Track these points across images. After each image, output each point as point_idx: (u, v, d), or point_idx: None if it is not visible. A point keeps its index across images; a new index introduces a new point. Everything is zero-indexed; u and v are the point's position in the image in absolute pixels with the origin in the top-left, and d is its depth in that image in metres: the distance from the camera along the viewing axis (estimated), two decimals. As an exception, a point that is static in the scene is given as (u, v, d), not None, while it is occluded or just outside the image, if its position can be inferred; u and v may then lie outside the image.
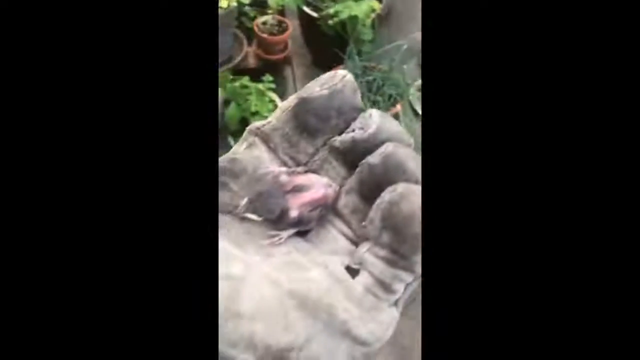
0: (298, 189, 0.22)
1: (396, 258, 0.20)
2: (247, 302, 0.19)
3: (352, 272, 0.20)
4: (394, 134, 0.22)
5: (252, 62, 1.26)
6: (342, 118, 0.22)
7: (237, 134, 1.12)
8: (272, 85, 1.14)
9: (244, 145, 0.24)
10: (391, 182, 0.20)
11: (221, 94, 1.06)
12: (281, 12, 1.26)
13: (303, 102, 0.22)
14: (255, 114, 1.12)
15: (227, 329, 0.18)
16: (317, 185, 0.22)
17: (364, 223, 0.21)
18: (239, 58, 1.22)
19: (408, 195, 0.20)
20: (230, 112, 1.04)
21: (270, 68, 1.27)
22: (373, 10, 1.15)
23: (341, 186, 0.23)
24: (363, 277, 0.20)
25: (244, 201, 0.22)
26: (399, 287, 0.20)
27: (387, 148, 0.21)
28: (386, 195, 0.20)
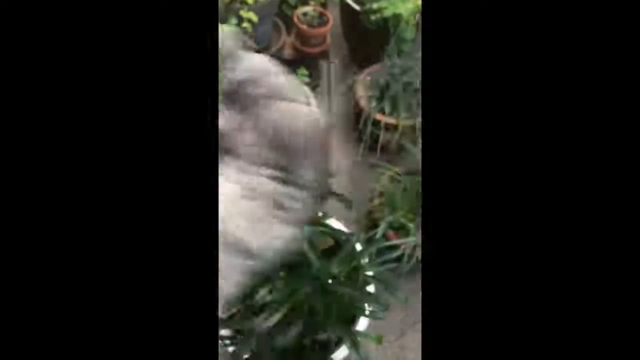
0: None
1: (282, 174, 0.22)
2: None
3: (251, 194, 0.22)
4: (264, 68, 0.24)
5: (288, 52, 1.24)
6: (229, 67, 0.24)
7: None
8: (306, 79, 1.12)
9: None
10: (273, 102, 0.23)
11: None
12: (323, 4, 1.23)
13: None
14: (287, 107, 1.10)
15: None
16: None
17: (250, 149, 0.23)
18: (275, 47, 1.20)
19: (282, 112, 0.22)
20: (262, 104, 1.03)
21: (306, 61, 1.25)
22: (418, 10, 1.10)
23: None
24: (259, 199, 0.22)
25: None
26: (292, 204, 0.22)
27: (247, 62, 0.24)
28: (261, 114, 0.23)
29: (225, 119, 0.24)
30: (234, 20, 0.95)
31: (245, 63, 0.24)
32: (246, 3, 1.03)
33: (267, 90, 0.23)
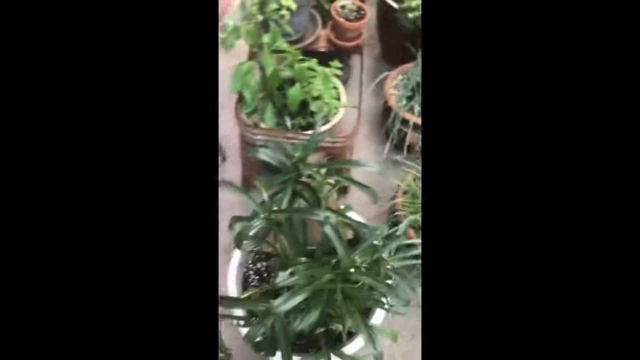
0: None
1: None
2: None
3: None
4: None
5: (322, 44, 1.24)
6: None
7: (295, 116, 1.12)
8: (339, 72, 1.12)
9: None
10: None
11: (288, 73, 1.05)
12: (361, -2, 1.22)
13: None
14: (317, 98, 1.11)
15: None
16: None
17: None
18: (311, 39, 1.20)
19: None
20: (293, 93, 1.04)
21: (339, 54, 1.25)
22: (458, 10, 1.09)
23: None
24: None
25: None
26: None
27: None
28: None
29: None
30: (274, 5, 0.96)
31: None
32: (286, -9, 1.04)
33: None
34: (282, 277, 0.59)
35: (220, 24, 1.80)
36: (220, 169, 1.30)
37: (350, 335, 0.84)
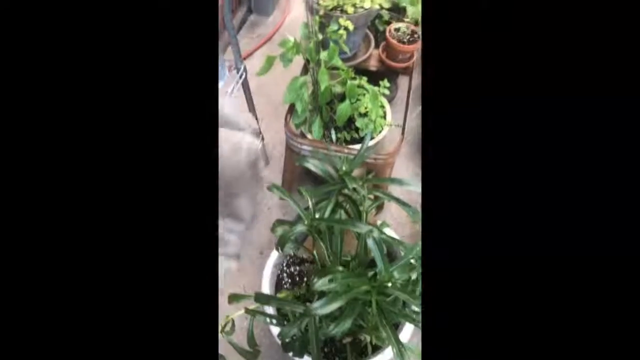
0: None
1: (222, 208, 0.18)
2: None
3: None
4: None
5: (373, 64, 1.28)
6: None
7: (341, 130, 1.16)
8: (387, 92, 1.15)
9: None
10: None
11: (339, 89, 1.10)
12: (416, 23, 1.26)
13: None
14: (364, 115, 1.14)
15: None
16: None
17: None
18: (363, 57, 1.25)
19: (221, 141, 0.18)
20: (342, 108, 1.08)
21: (388, 74, 1.28)
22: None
23: None
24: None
25: None
26: (231, 238, 0.19)
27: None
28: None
29: None
30: (335, 26, 1.01)
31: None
32: (346, 12, 1.09)
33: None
34: (322, 283, 0.62)
35: (275, 35, 1.85)
36: (262, 172, 1.35)
37: (376, 348, 0.86)
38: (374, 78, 1.17)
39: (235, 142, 0.20)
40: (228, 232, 0.22)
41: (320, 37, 1.00)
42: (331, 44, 0.98)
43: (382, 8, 1.14)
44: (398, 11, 1.26)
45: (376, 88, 1.12)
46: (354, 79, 1.09)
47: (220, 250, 0.21)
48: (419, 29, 1.24)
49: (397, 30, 1.23)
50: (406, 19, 1.23)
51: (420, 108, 1.27)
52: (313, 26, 0.96)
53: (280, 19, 1.96)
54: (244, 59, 1.52)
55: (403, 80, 1.46)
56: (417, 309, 0.70)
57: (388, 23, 1.25)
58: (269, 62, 0.99)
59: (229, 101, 0.24)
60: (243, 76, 1.09)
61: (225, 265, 0.23)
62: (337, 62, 1.00)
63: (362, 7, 1.11)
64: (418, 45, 1.23)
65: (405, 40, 1.21)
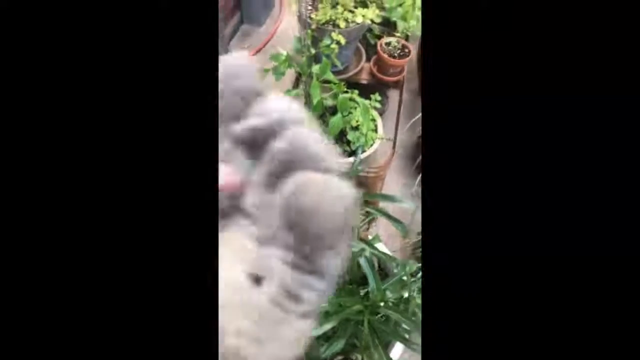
0: None
1: (302, 262, 0.17)
2: None
3: (256, 280, 0.17)
4: (299, 120, 0.19)
5: (364, 77, 1.29)
6: (243, 102, 0.20)
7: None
8: (378, 105, 1.16)
9: None
10: (299, 169, 0.18)
11: (331, 102, 1.10)
12: (406, 37, 1.27)
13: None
14: (355, 128, 1.14)
15: None
16: (222, 174, 0.19)
17: (268, 222, 0.18)
18: (354, 71, 1.26)
19: (308, 186, 0.17)
20: (334, 121, 1.08)
21: (379, 87, 1.29)
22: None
23: (246, 180, 0.20)
24: (267, 286, 0.17)
25: None
26: (310, 296, 0.17)
27: (292, 131, 0.18)
28: (285, 188, 0.17)
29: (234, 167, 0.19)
30: (328, 41, 1.02)
31: (270, 105, 0.19)
32: (338, 26, 1.09)
33: (310, 161, 0.18)
34: (314, 302, 0.61)
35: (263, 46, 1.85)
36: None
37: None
38: (365, 91, 1.18)
39: (334, 187, 0.17)
40: (307, 288, 0.18)
41: (313, 51, 1.00)
42: (324, 58, 0.98)
43: (373, 22, 1.15)
44: (389, 25, 1.28)
45: (367, 101, 1.12)
46: (346, 92, 1.09)
47: (291, 307, 0.18)
48: (409, 44, 1.25)
49: (388, 44, 1.24)
50: (397, 34, 1.24)
51: (411, 122, 1.28)
52: (306, 40, 0.96)
53: (272, 29, 1.97)
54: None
55: (393, 94, 1.48)
56: (408, 327, 0.70)
57: (379, 37, 1.27)
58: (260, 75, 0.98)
59: (312, 135, 0.20)
60: (234, 88, 1.08)
61: (295, 326, 0.19)
62: (329, 75, 1.00)
63: (354, 22, 1.11)
64: (408, 59, 1.24)
65: (396, 54, 1.23)
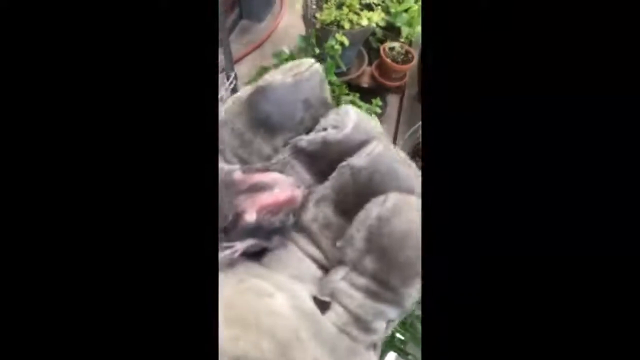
0: (257, 189, 0.17)
1: (381, 289, 0.16)
2: None
3: (321, 305, 0.16)
4: (375, 136, 0.18)
5: (365, 80, 1.28)
6: (308, 113, 0.18)
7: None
8: (378, 110, 1.15)
9: None
10: (379, 191, 0.16)
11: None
12: (410, 43, 1.27)
13: (261, 91, 0.18)
14: (355, 131, 1.13)
15: None
16: (282, 185, 0.17)
17: (339, 243, 0.17)
18: (356, 73, 1.25)
19: (403, 210, 0.16)
20: (334, 123, 1.07)
21: (380, 92, 1.28)
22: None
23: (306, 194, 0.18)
24: (335, 313, 0.16)
25: None
26: (380, 326, 0.16)
27: (375, 148, 0.17)
28: (374, 209, 0.16)
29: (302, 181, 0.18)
30: (332, 42, 1.00)
31: (347, 119, 0.18)
32: (342, 27, 1.08)
33: (394, 183, 0.17)
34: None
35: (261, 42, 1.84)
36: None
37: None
38: (366, 95, 1.17)
39: (400, 198, 0.16)
40: (379, 318, 0.16)
41: (318, 51, 0.98)
42: (328, 59, 0.97)
43: (378, 26, 1.14)
44: (393, 31, 1.27)
45: (368, 106, 1.11)
46: (348, 94, 1.08)
47: (360, 336, 0.16)
48: (413, 50, 1.25)
49: (392, 49, 1.23)
50: (401, 39, 1.24)
51: (412, 129, 1.28)
52: (311, 39, 0.95)
53: (273, 26, 1.94)
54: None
55: (393, 99, 1.48)
56: (402, 337, 0.69)
57: (382, 41, 1.26)
58: (261, 73, 0.96)
59: (394, 153, 0.19)
60: (233, 83, 1.06)
61: (363, 357, 0.16)
62: (332, 77, 0.99)
63: (359, 24, 1.10)
64: (411, 65, 1.24)
65: (399, 60, 1.22)
